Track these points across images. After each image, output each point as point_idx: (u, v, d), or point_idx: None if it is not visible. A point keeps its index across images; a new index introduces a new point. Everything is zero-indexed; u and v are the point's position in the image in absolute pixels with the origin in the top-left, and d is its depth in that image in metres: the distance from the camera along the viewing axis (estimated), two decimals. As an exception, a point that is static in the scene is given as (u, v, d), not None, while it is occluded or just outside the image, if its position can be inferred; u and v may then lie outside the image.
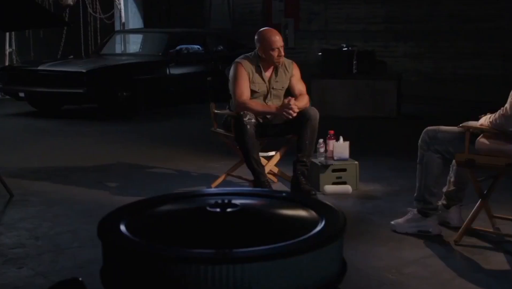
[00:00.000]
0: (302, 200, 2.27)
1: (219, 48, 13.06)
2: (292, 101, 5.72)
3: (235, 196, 2.28)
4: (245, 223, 2.02)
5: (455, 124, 4.68)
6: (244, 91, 5.84)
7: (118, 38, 13.98)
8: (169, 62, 11.78)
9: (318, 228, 1.98)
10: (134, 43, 15.12)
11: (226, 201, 2.09)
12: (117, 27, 15.53)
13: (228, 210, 2.10)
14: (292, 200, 2.22)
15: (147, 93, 11.34)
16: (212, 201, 2.13)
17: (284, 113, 5.68)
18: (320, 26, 14.67)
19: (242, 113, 5.65)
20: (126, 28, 15.43)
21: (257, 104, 5.85)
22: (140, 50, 13.53)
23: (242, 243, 1.96)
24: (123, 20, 15.39)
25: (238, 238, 1.99)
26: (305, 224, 2.00)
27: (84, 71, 10.75)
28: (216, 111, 6.26)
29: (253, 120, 5.66)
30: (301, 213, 2.10)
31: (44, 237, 4.91)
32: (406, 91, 10.99)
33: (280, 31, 6.53)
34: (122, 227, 2.02)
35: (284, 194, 2.42)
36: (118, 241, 1.95)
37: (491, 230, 4.72)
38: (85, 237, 4.89)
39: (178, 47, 12.32)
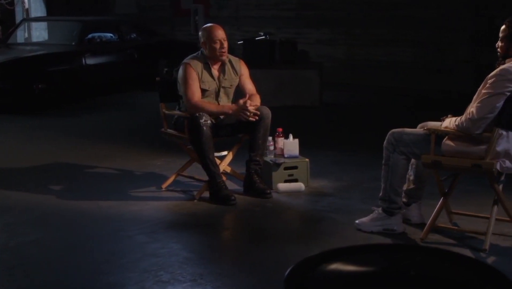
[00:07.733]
0: (469, 262, 2.31)
1: (133, 36, 12.81)
2: (248, 102, 5.74)
3: (408, 253, 2.33)
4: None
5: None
6: (195, 92, 5.82)
7: (25, 26, 13.48)
8: (84, 52, 11.46)
9: None
10: (38, 30, 14.63)
11: (400, 264, 2.12)
12: (19, 13, 14.96)
13: (407, 274, 2.15)
14: (458, 261, 2.25)
15: (64, 85, 11.00)
16: (386, 261, 2.16)
17: (242, 114, 5.70)
18: (231, 12, 14.64)
19: (198, 114, 5.62)
20: (29, 15, 14.86)
21: (211, 105, 5.83)
22: (49, 39, 13.10)
23: None
24: (26, 6, 14.83)
25: None
26: None
27: (-4, 63, 10.36)
28: (166, 112, 6.19)
29: (209, 122, 5.65)
30: (470, 278, 2.12)
31: (6, 250, 4.75)
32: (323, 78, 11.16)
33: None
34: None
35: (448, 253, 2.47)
36: None
37: (452, 226, 4.93)
38: (52, 248, 4.78)
39: (90, 36, 12.01)
